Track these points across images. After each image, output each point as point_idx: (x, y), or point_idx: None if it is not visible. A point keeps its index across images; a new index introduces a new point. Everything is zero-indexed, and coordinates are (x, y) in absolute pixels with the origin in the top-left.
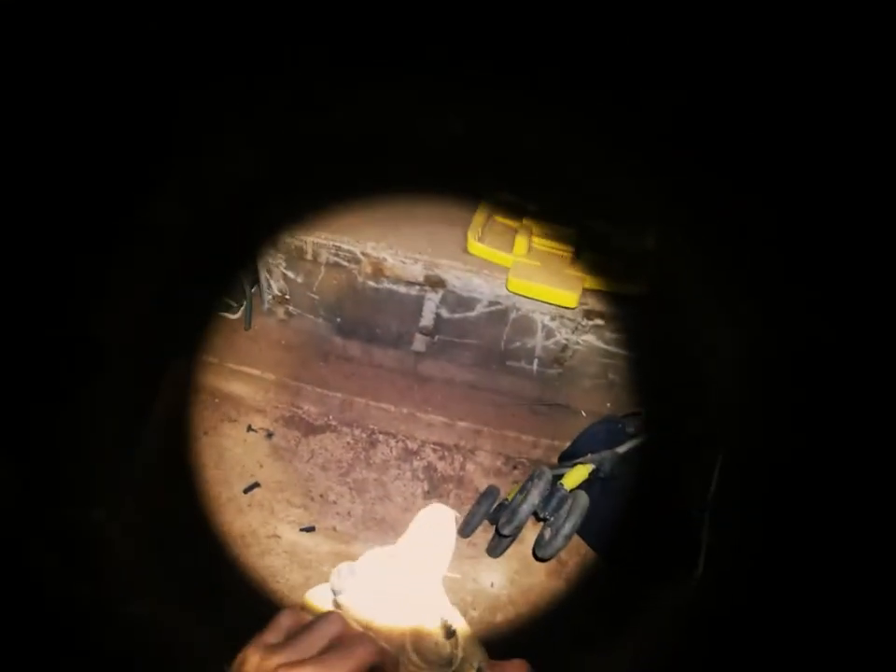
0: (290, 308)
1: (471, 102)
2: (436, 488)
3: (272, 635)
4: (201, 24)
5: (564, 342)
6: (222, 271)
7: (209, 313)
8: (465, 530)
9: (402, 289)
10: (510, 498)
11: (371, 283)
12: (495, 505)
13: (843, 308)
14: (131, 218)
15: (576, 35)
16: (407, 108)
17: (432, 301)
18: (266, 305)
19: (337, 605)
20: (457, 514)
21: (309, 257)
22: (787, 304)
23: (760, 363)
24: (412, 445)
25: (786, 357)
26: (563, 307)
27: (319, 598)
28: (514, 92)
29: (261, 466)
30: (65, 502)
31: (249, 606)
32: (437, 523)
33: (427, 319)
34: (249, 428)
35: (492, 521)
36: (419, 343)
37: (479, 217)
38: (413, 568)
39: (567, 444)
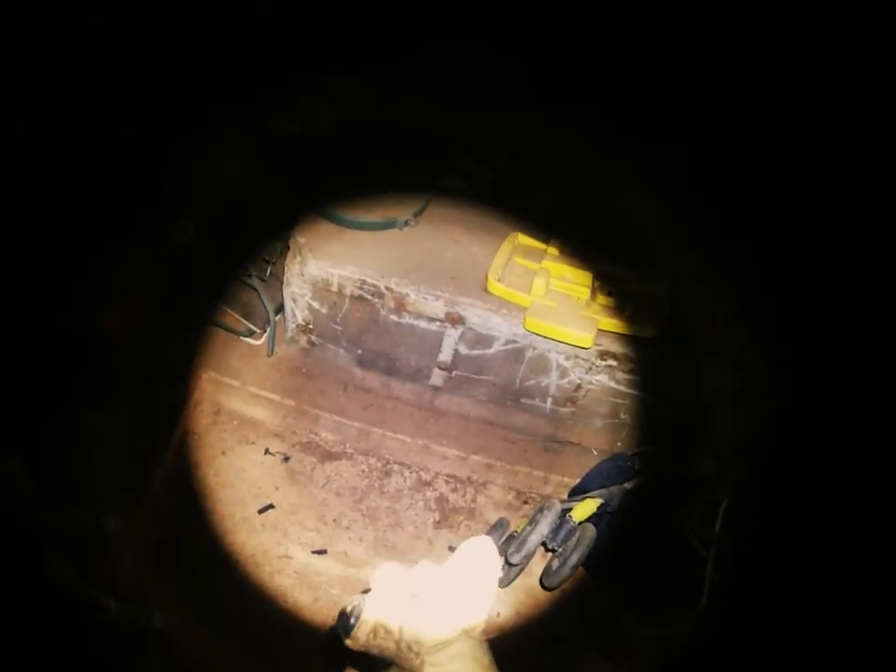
0: (313, 337)
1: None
2: (447, 519)
3: None
4: (202, 44)
5: (578, 381)
6: (235, 287)
7: (232, 334)
8: None
9: (423, 324)
10: (518, 531)
11: (394, 317)
12: (504, 537)
13: (852, 355)
14: (143, 231)
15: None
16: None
17: (451, 337)
18: (290, 333)
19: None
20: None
21: (334, 289)
22: (793, 350)
23: (766, 406)
24: (425, 476)
25: (794, 400)
26: (578, 347)
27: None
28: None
29: (277, 488)
30: (79, 512)
31: (258, 623)
32: (482, 554)
33: (445, 354)
34: (267, 452)
35: (501, 552)
36: (437, 377)
37: (500, 259)
38: (457, 597)
39: (577, 481)
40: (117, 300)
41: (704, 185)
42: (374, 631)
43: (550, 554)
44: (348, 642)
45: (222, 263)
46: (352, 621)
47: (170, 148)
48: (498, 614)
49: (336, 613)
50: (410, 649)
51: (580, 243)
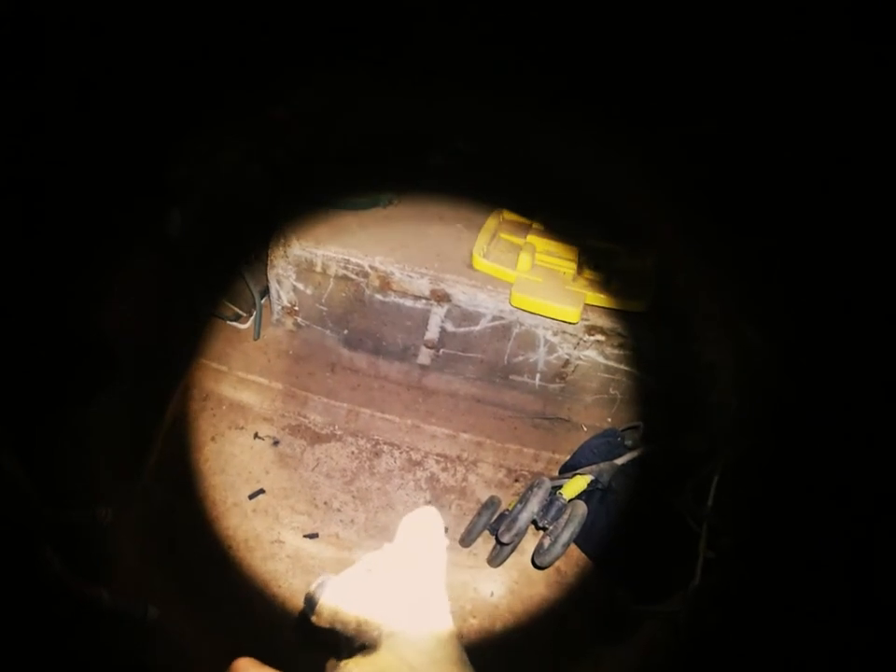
0: (299, 319)
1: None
2: (438, 498)
3: None
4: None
5: (566, 357)
6: (226, 274)
7: (218, 319)
8: (465, 540)
9: (409, 303)
10: (510, 509)
11: (379, 296)
12: (495, 515)
13: (849, 327)
14: (136, 224)
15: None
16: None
17: (438, 314)
18: (275, 316)
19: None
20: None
21: (319, 269)
22: (788, 322)
23: (757, 378)
24: (415, 456)
25: (784, 371)
26: (565, 322)
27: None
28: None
29: (267, 473)
30: (71, 501)
31: (251, 609)
32: (425, 524)
33: (432, 333)
34: (256, 436)
35: (492, 531)
36: (424, 356)
37: (484, 234)
38: (406, 569)
39: (568, 458)
40: (107, 289)
41: (694, 157)
42: (336, 609)
43: (542, 532)
44: (314, 619)
45: (211, 250)
46: (316, 599)
47: (158, 139)
48: (492, 594)
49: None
50: (368, 623)
51: (565, 217)
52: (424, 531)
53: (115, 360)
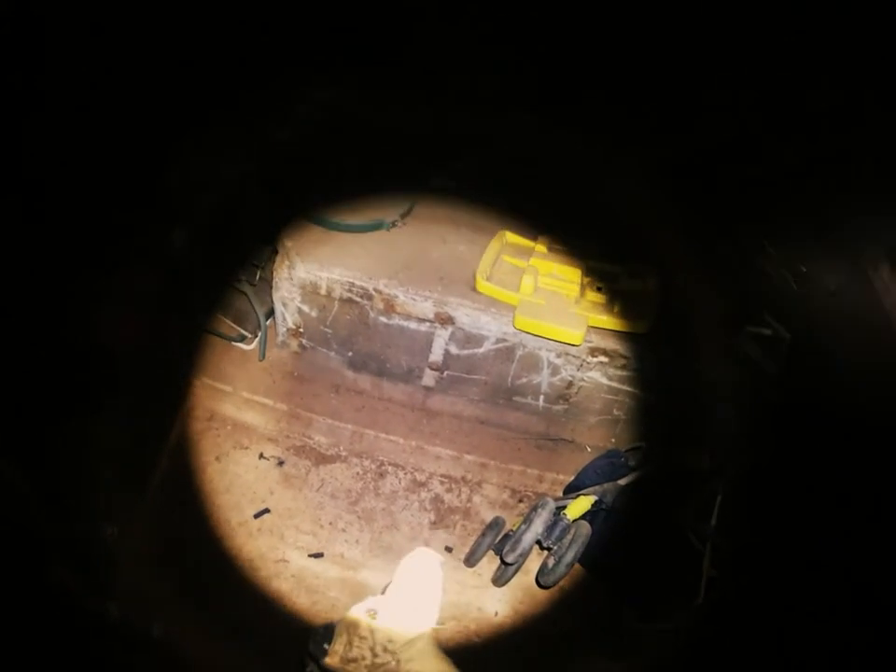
0: (304, 341)
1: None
2: (442, 519)
3: None
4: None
5: (569, 378)
6: (227, 291)
7: (223, 339)
8: (470, 560)
9: (413, 325)
10: (514, 529)
11: (383, 319)
12: (500, 536)
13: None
14: (136, 237)
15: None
16: None
17: (442, 337)
18: (280, 338)
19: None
20: (442, 559)
21: (323, 292)
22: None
23: (760, 398)
24: (420, 477)
25: (789, 392)
26: (568, 344)
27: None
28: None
29: (272, 493)
30: (76, 515)
31: (257, 627)
32: (423, 568)
33: (436, 355)
34: (261, 456)
35: (497, 551)
36: (428, 377)
37: (488, 257)
38: (403, 615)
39: (572, 479)
40: (111, 307)
41: (692, 175)
42: (349, 642)
43: (546, 552)
44: (327, 660)
45: (214, 270)
46: (324, 644)
47: (162, 156)
48: (496, 613)
49: (334, 616)
50: (385, 650)
51: (568, 239)
52: (422, 569)
53: (116, 374)
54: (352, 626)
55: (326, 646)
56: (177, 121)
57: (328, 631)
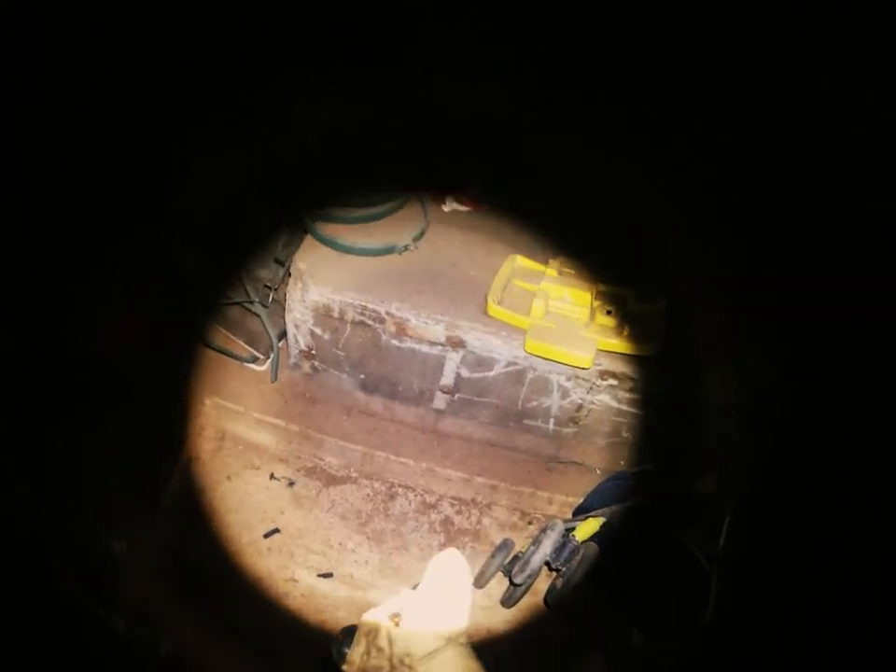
0: (316, 363)
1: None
2: (452, 541)
3: None
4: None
5: (579, 401)
6: (232, 308)
7: (236, 360)
8: (479, 581)
9: (424, 349)
10: (523, 551)
11: (395, 342)
12: (509, 557)
13: (855, 369)
14: (139, 250)
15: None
16: None
17: (453, 360)
18: (293, 359)
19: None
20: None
21: (336, 315)
22: (796, 362)
23: (768, 420)
24: (430, 499)
25: (796, 414)
26: (578, 368)
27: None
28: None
29: (282, 513)
30: (86, 532)
31: (265, 646)
32: (450, 568)
33: (447, 378)
34: (272, 476)
35: (506, 572)
36: (439, 400)
37: (499, 281)
38: (432, 616)
39: (581, 501)
40: (123, 326)
41: (699, 195)
42: (367, 652)
43: (554, 574)
44: (345, 668)
45: (224, 289)
46: (344, 648)
47: (162, 160)
48: (505, 634)
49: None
50: (402, 662)
51: (578, 263)
52: (450, 572)
53: (121, 388)
54: (371, 633)
55: (346, 650)
56: (177, 122)
57: (349, 635)
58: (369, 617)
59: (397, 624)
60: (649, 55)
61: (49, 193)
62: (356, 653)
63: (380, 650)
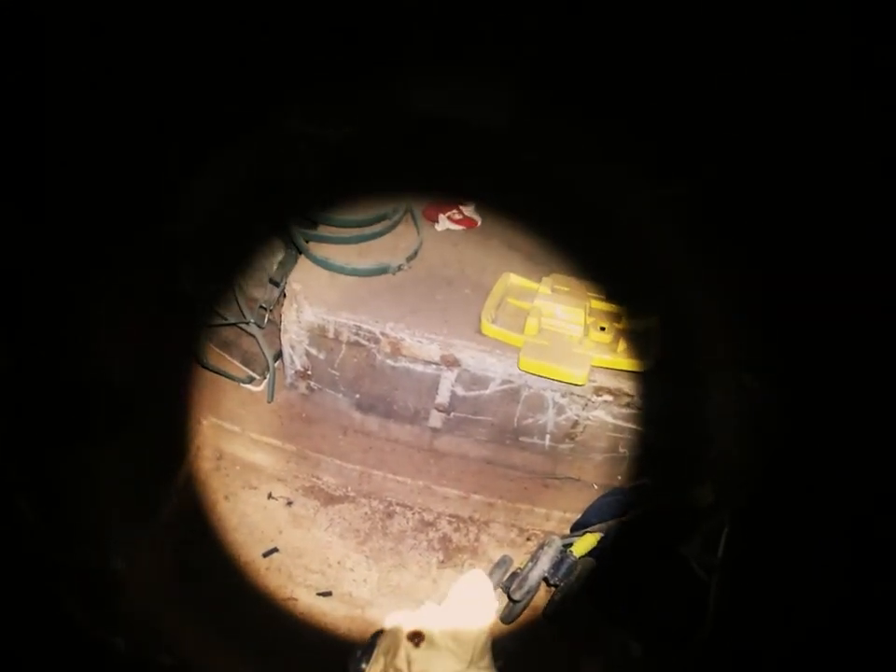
0: (312, 383)
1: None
2: (451, 558)
3: None
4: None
5: (575, 417)
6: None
7: (232, 380)
8: None
9: (419, 368)
10: (522, 568)
11: (390, 361)
12: (507, 574)
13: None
14: (148, 278)
15: None
16: None
17: (448, 379)
18: (289, 380)
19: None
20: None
21: (331, 335)
22: (792, 375)
23: (765, 432)
24: (427, 517)
25: (793, 427)
26: (573, 384)
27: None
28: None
29: (280, 532)
30: (86, 551)
31: (264, 665)
32: (476, 588)
33: (442, 396)
34: (270, 496)
35: (505, 589)
36: (435, 419)
37: (492, 300)
38: (455, 630)
39: (578, 517)
40: (120, 346)
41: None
42: (385, 671)
43: (553, 589)
44: None
45: (220, 310)
46: (362, 665)
47: (166, 187)
48: (505, 649)
49: (342, 655)
50: None
51: (571, 280)
52: (475, 593)
53: (120, 408)
54: (391, 651)
55: (363, 667)
56: (177, 123)
57: (367, 652)
58: (389, 623)
59: (417, 645)
60: (649, 57)
61: (49, 185)
62: (374, 670)
63: (398, 671)
